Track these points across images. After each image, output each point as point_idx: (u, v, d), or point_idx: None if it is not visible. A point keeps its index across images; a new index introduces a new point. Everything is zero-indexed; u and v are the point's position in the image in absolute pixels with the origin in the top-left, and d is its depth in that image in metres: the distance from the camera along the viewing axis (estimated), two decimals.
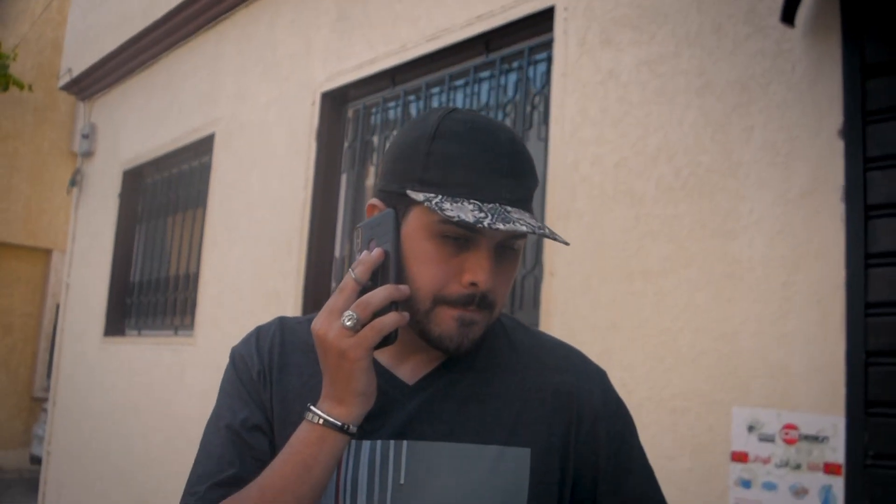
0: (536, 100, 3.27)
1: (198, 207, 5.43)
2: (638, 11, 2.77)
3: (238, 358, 1.13)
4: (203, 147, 5.36)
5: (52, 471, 6.72)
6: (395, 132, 3.94)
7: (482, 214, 0.94)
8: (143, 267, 6.15)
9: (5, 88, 9.63)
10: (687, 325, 2.49)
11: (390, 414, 1.05)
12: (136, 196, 6.30)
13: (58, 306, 9.62)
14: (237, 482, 1.02)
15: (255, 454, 1.05)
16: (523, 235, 1.00)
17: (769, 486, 2.25)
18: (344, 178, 4.25)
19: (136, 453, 5.42)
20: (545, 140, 3.13)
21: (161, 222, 6.01)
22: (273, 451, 1.05)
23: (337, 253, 4.20)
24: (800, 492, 2.19)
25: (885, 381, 2.07)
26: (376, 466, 1.03)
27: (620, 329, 2.66)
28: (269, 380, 1.09)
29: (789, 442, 2.23)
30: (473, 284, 0.99)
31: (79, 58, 6.89)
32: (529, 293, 3.15)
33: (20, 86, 9.58)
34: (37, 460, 8.44)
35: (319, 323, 0.98)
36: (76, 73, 6.85)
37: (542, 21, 3.15)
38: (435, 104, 3.76)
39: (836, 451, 2.14)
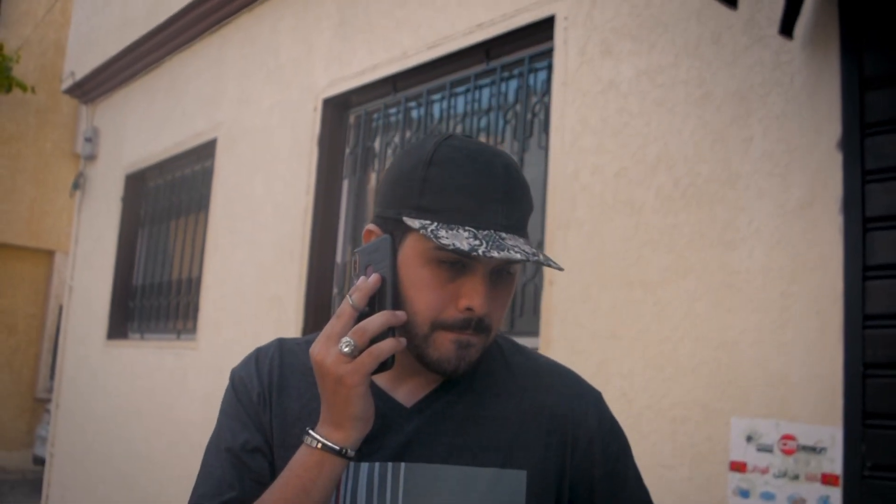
0: (537, 108, 3.28)
1: (200, 211, 5.44)
2: (637, 21, 2.78)
3: (238, 380, 1.14)
4: (205, 151, 5.37)
5: (55, 473, 6.74)
6: (395, 137, 3.96)
7: (477, 242, 0.96)
8: (146, 270, 6.17)
9: (8, 90, 9.67)
10: (686, 334, 2.50)
11: (388, 436, 1.07)
12: (139, 200, 6.33)
13: (61, 307, 9.65)
14: None
15: (255, 476, 1.06)
16: (524, 262, 1.01)
17: (767, 496, 2.27)
18: (346, 183, 4.27)
19: (139, 457, 5.45)
20: (545, 148, 3.14)
21: (163, 226, 6.03)
22: (273, 472, 1.06)
23: (339, 258, 4.21)
24: (798, 502, 2.20)
25: (882, 393, 2.08)
26: (374, 488, 1.04)
27: (620, 338, 2.67)
28: (269, 402, 1.10)
29: (787, 452, 2.24)
30: (469, 309, 1.01)
31: (82, 61, 6.91)
32: (530, 301, 3.16)
33: (23, 88, 9.62)
34: (40, 461, 8.47)
35: (317, 349, 0.99)
36: (79, 76, 6.87)
37: (542, 30, 3.17)
38: (436, 111, 3.78)
39: (834, 462, 2.15)
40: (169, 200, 5.94)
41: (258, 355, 1.16)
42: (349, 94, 4.16)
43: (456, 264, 1.01)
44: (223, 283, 4.87)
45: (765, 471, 2.28)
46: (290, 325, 4.18)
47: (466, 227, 0.98)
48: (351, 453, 0.99)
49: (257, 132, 4.78)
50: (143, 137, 6.11)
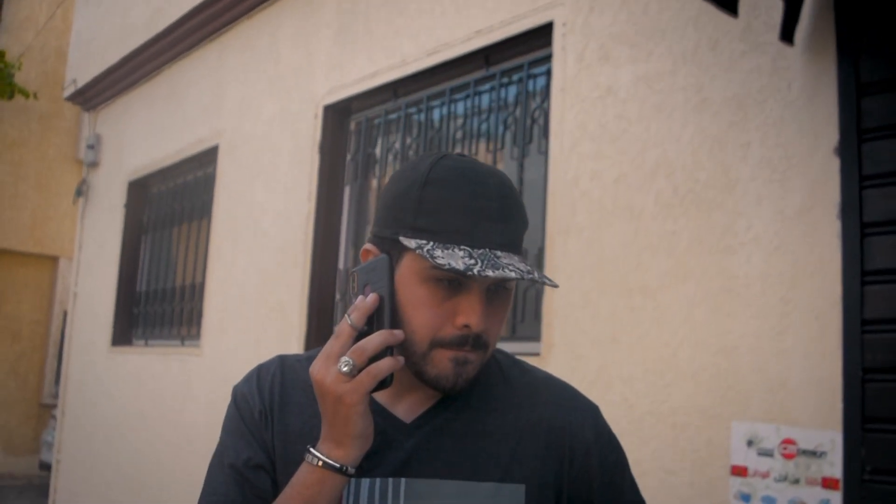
0: (536, 114, 3.30)
1: (203, 218, 5.47)
2: (635, 28, 2.79)
3: (240, 397, 1.15)
4: (207, 158, 5.40)
5: (61, 479, 6.77)
6: (396, 143, 3.98)
7: (472, 261, 0.97)
8: (150, 277, 6.20)
9: (11, 97, 9.70)
10: (686, 339, 2.51)
11: (388, 452, 1.09)
12: (142, 206, 6.35)
13: (65, 313, 9.68)
14: None
15: (258, 493, 1.08)
16: (520, 280, 1.03)
17: (768, 501, 2.28)
18: (347, 189, 4.29)
19: (145, 462, 5.47)
20: (545, 154, 3.16)
21: (166, 232, 6.06)
22: (275, 489, 1.08)
23: (341, 264, 4.23)
24: None
25: (881, 397, 2.10)
26: (375, 503, 1.06)
27: (620, 343, 2.69)
28: (271, 419, 1.12)
29: (788, 457, 2.25)
30: (466, 326, 1.02)
31: (83, 68, 6.94)
32: (531, 306, 3.18)
33: (25, 94, 9.65)
34: (46, 467, 8.50)
35: (317, 368, 1.01)
36: (81, 83, 6.90)
37: (541, 36, 3.18)
38: (436, 117, 3.80)
39: (834, 466, 2.16)
40: (171, 207, 5.96)
41: (259, 372, 1.18)
42: (349, 100, 4.18)
43: (452, 283, 1.02)
44: (226, 290, 4.89)
45: (765, 475, 2.29)
46: (293, 331, 4.20)
47: (462, 247, 1.00)
48: (351, 471, 1.01)
49: (258, 139, 4.80)
50: (146, 144, 6.13)
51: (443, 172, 1.05)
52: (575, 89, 2.96)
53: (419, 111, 3.88)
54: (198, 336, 5.19)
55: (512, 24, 3.26)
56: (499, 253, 1.01)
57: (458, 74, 3.64)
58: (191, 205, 5.70)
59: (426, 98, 3.81)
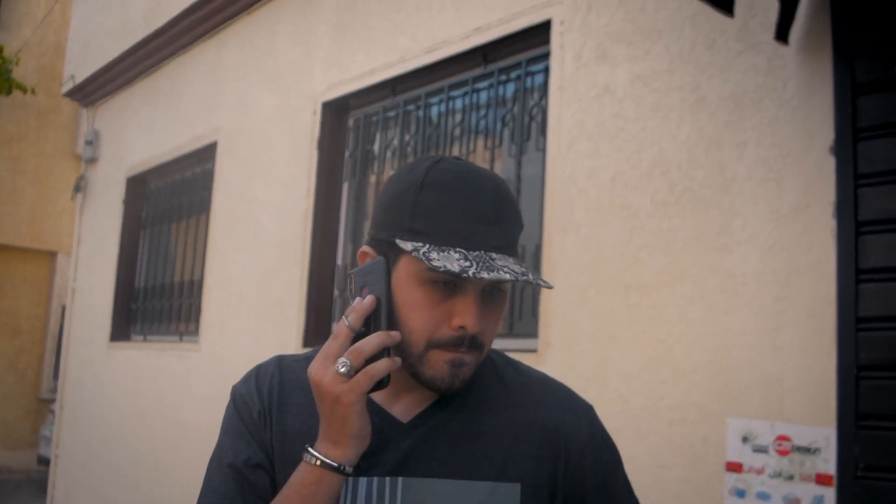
0: (534, 111, 3.31)
1: (201, 214, 5.48)
2: (633, 27, 2.80)
3: (238, 397, 1.17)
4: (205, 154, 5.40)
5: (60, 474, 6.79)
6: (394, 140, 3.99)
7: (467, 263, 0.99)
8: (148, 273, 6.21)
9: (8, 92, 9.70)
10: (682, 337, 2.53)
11: (386, 451, 1.10)
12: (140, 202, 6.36)
13: (63, 308, 9.69)
14: None
15: (257, 492, 1.10)
16: (514, 282, 1.04)
17: (763, 497, 2.30)
18: (345, 186, 4.30)
19: (143, 457, 5.49)
20: (543, 151, 3.17)
21: (165, 228, 6.07)
22: (274, 488, 1.10)
23: (339, 261, 4.25)
24: (792, 502, 2.24)
25: (875, 395, 2.11)
26: (373, 502, 1.08)
27: (617, 340, 2.70)
28: (270, 419, 1.13)
29: (782, 453, 2.27)
30: (462, 328, 1.04)
31: (82, 64, 6.94)
32: (528, 303, 3.19)
33: (23, 89, 9.65)
34: (44, 461, 8.52)
35: (315, 369, 1.02)
36: (79, 79, 6.90)
37: (539, 34, 3.19)
38: (434, 113, 3.81)
39: (828, 463, 2.18)
40: (170, 203, 5.97)
41: (258, 372, 1.19)
42: (348, 97, 4.18)
43: (448, 284, 1.04)
44: (225, 286, 4.91)
45: (760, 471, 2.31)
46: (292, 327, 4.21)
47: (457, 249, 1.01)
48: (349, 470, 1.02)
49: (257, 135, 4.81)
50: (144, 140, 6.14)
51: (439, 176, 1.06)
52: (572, 88, 2.98)
53: (417, 108, 3.89)
54: (196, 332, 5.21)
55: (510, 22, 3.27)
56: (494, 255, 1.02)
57: (456, 72, 3.65)
58: (189, 201, 5.71)
59: (424, 95, 3.82)
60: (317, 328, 4.15)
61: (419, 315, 1.05)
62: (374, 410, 1.11)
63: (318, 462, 1.02)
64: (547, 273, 2.95)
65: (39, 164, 11.09)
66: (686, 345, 2.51)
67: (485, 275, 0.98)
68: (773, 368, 2.30)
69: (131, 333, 6.24)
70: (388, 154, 4.05)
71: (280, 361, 1.19)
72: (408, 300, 1.05)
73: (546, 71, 3.22)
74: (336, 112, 4.31)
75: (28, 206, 11.02)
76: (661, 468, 2.51)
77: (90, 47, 6.88)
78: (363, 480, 1.09)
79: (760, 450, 2.31)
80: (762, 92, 2.43)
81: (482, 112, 3.55)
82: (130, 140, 6.37)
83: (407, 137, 3.93)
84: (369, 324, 1.05)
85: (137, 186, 6.34)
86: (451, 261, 0.99)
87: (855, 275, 2.17)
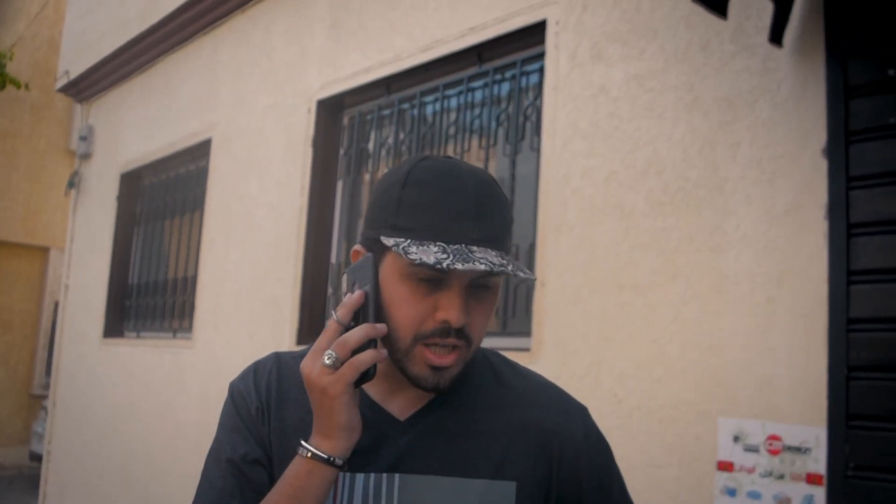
0: (529, 111, 3.32)
1: (195, 211, 5.47)
2: (628, 27, 2.82)
3: (237, 393, 1.18)
4: (200, 151, 5.40)
5: (52, 470, 6.78)
6: (389, 138, 4.00)
7: (444, 255, 1.00)
8: (142, 269, 6.20)
9: (2, 87, 9.66)
10: (675, 336, 2.54)
11: (383, 448, 1.12)
12: (134, 199, 6.35)
13: (56, 304, 9.66)
14: None
15: (255, 487, 1.11)
16: (491, 273, 1.04)
17: (754, 495, 2.32)
18: (340, 184, 4.30)
19: (136, 454, 5.49)
20: (537, 151, 3.18)
21: (159, 225, 6.06)
22: (272, 484, 1.11)
23: (333, 259, 4.25)
24: (783, 501, 2.25)
25: (865, 395, 2.13)
26: (370, 498, 1.09)
27: (611, 340, 2.72)
28: (268, 416, 1.15)
29: (773, 452, 2.29)
30: (446, 322, 1.05)
31: (76, 60, 6.93)
32: (522, 302, 3.21)
33: (17, 84, 9.61)
34: (36, 457, 8.51)
35: (305, 362, 1.05)
36: (74, 75, 6.88)
37: (534, 34, 3.20)
38: (429, 112, 3.82)
39: (819, 462, 2.20)
40: (164, 200, 5.97)
41: (256, 368, 1.20)
42: (342, 95, 4.19)
43: (433, 280, 1.05)
44: (219, 283, 4.91)
45: (751, 470, 2.33)
46: (286, 324, 4.22)
47: (438, 243, 1.02)
48: (339, 462, 1.04)
49: (251, 133, 4.81)
50: (138, 136, 6.13)
51: (422, 173, 1.08)
52: (567, 87, 2.99)
53: (412, 107, 3.89)
54: (190, 328, 5.21)
55: (505, 22, 3.28)
56: (474, 248, 1.03)
57: (451, 71, 3.66)
58: (183, 197, 5.70)
59: (419, 94, 3.82)
60: (311, 326, 4.16)
61: (404, 310, 1.06)
62: (372, 407, 1.13)
63: (309, 454, 1.03)
64: (541, 272, 2.96)
65: (33, 160, 11.06)
66: (679, 344, 2.53)
67: (458, 266, 0.98)
68: (764, 368, 2.32)
69: (125, 330, 6.24)
70: (383, 152, 4.06)
71: (278, 358, 1.20)
72: (394, 295, 1.07)
73: (541, 70, 3.23)
74: (331, 110, 4.31)
75: (21, 202, 10.99)
76: (654, 467, 2.53)
77: (85, 43, 6.86)
78: (360, 477, 1.10)
79: (751, 449, 2.33)
80: (756, 93, 2.44)
81: (477, 111, 3.56)
82: (125, 136, 6.36)
83: (401, 136, 3.94)
84: (358, 319, 1.07)
85: (132, 183, 6.33)
86: (428, 254, 1.00)
87: (846, 276, 2.19)
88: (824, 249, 2.23)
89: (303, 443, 1.05)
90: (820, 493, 2.18)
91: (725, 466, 2.38)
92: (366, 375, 1.04)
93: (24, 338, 11.26)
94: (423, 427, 1.13)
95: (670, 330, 2.56)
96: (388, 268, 1.07)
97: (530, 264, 3.14)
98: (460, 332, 1.06)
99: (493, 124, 3.48)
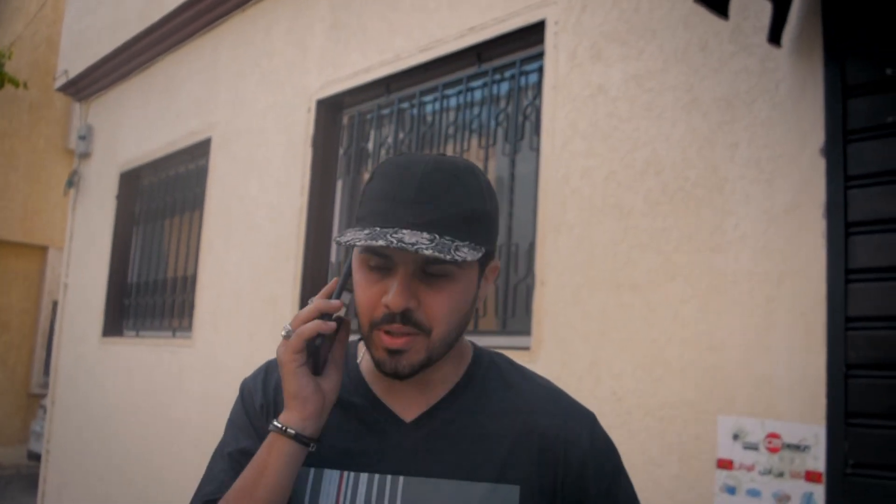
0: (528, 110, 3.33)
1: (195, 210, 5.48)
2: (626, 27, 2.83)
3: (246, 391, 1.23)
4: (199, 151, 5.40)
5: (51, 469, 6.78)
6: (389, 138, 4.00)
7: (361, 236, 1.03)
8: (141, 269, 6.21)
9: (1, 86, 9.65)
10: (674, 336, 2.55)
11: (388, 449, 1.13)
12: (134, 198, 6.35)
13: (54, 303, 9.66)
14: None
15: None
16: (443, 261, 1.04)
17: (753, 493, 2.33)
18: (340, 184, 4.31)
19: (135, 453, 5.49)
20: (537, 150, 3.19)
21: (158, 224, 6.06)
22: None
23: (333, 258, 4.26)
24: (782, 498, 2.27)
25: (864, 393, 2.14)
26: (372, 500, 1.10)
27: (610, 339, 2.73)
28: (273, 413, 1.17)
29: (772, 450, 2.30)
30: (386, 307, 1.07)
31: (75, 59, 6.93)
32: (521, 301, 3.22)
33: (15, 84, 9.59)
34: (35, 456, 8.51)
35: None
36: (72, 74, 6.88)
37: (533, 34, 3.21)
38: (428, 111, 3.82)
39: (818, 460, 2.21)
40: (163, 199, 5.97)
41: (267, 368, 1.24)
42: (342, 95, 4.19)
43: (382, 267, 1.08)
44: (218, 282, 4.91)
45: (751, 468, 2.34)
46: (286, 324, 4.21)
47: (374, 228, 1.04)
48: (291, 432, 1.07)
49: (251, 132, 4.81)
50: (138, 136, 6.13)
51: (383, 167, 1.12)
52: (566, 87, 3.00)
53: (412, 106, 3.90)
54: (189, 328, 5.21)
55: (504, 22, 3.29)
56: (405, 231, 1.03)
57: (450, 70, 3.67)
58: (183, 197, 5.70)
59: (419, 93, 3.83)
60: None
61: (360, 296, 1.10)
62: (376, 405, 1.16)
63: (271, 427, 1.08)
64: (540, 272, 2.98)
65: (31, 159, 11.06)
66: (678, 343, 2.54)
67: (360, 242, 1.01)
68: (763, 367, 2.33)
69: (124, 329, 6.24)
70: (383, 152, 4.06)
71: None
72: (356, 283, 1.11)
73: (540, 70, 3.24)
74: (330, 110, 4.32)
75: (20, 201, 10.99)
76: (653, 465, 2.54)
77: (84, 42, 6.86)
78: (364, 477, 1.11)
79: (751, 447, 2.34)
80: (754, 93, 2.45)
81: (476, 111, 3.57)
82: (124, 135, 6.37)
83: (401, 136, 3.94)
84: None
85: (131, 182, 6.33)
86: (355, 236, 1.03)
87: (844, 275, 2.20)
88: (823, 248, 2.25)
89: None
90: (819, 491, 2.20)
91: (725, 464, 2.39)
92: (317, 354, 1.08)
93: (22, 337, 11.26)
94: (429, 429, 1.14)
95: (669, 329, 2.57)
96: (354, 259, 1.12)
97: (530, 264, 3.15)
98: (406, 318, 1.06)
99: (493, 124, 3.49)
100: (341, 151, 4.33)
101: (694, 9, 2.58)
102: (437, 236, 1.03)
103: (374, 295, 1.08)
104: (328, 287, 1.14)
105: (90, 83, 6.79)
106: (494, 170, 3.48)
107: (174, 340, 5.43)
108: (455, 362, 1.19)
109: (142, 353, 5.71)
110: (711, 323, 2.46)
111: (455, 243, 1.04)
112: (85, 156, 6.87)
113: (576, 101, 2.95)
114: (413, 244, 1.00)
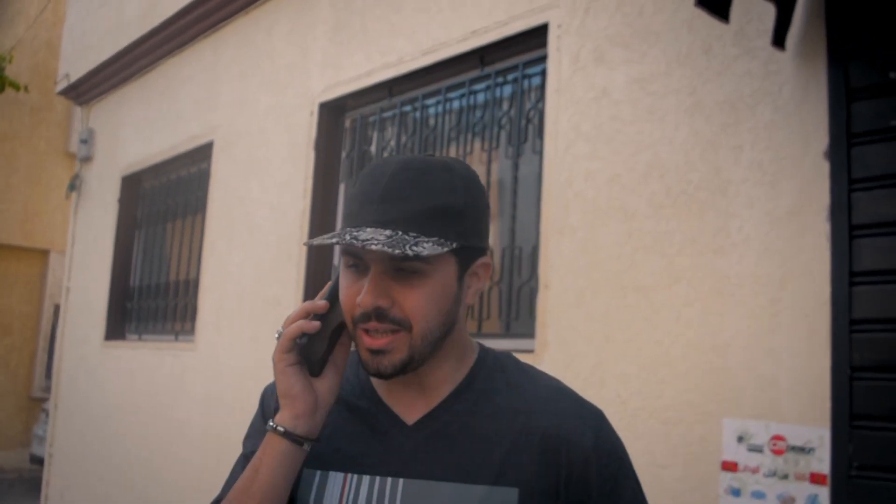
0: (531, 114, 3.33)
1: (197, 213, 5.48)
2: (630, 30, 2.83)
3: (266, 396, 1.27)
4: (201, 154, 5.41)
5: (54, 473, 6.78)
6: (391, 141, 4.01)
7: (327, 235, 1.06)
8: (143, 272, 6.21)
9: (1, 90, 9.65)
10: (679, 338, 2.56)
11: (390, 452, 1.14)
12: (135, 201, 6.36)
13: (56, 307, 9.67)
14: None
15: None
16: (408, 258, 1.04)
17: (758, 495, 2.33)
18: (342, 187, 4.32)
19: (138, 456, 5.49)
20: (540, 153, 3.20)
21: (160, 228, 6.07)
22: None
23: (335, 261, 4.26)
24: (787, 501, 2.27)
25: (868, 395, 2.15)
26: (374, 502, 1.11)
27: (614, 341, 2.73)
28: None
29: (777, 452, 2.31)
30: (359, 305, 1.09)
31: (76, 63, 6.93)
32: (525, 304, 3.22)
33: (16, 87, 9.60)
34: (37, 460, 8.50)
35: None
36: (74, 78, 6.89)
37: (536, 37, 3.22)
38: (431, 114, 3.83)
39: (822, 462, 2.22)
40: (165, 202, 5.97)
41: None
42: (345, 98, 4.20)
43: (358, 266, 1.10)
44: (221, 285, 4.92)
45: (755, 470, 2.35)
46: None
47: (346, 228, 1.08)
48: (281, 429, 1.10)
49: (253, 136, 4.82)
50: (139, 139, 6.14)
51: (365, 170, 1.14)
52: (570, 90, 3.00)
53: (414, 109, 3.91)
54: (192, 331, 5.21)
55: (507, 25, 3.30)
56: (368, 229, 1.05)
57: (453, 74, 3.67)
58: (185, 200, 5.71)
59: (421, 96, 3.84)
60: None
61: (342, 296, 1.12)
62: (379, 405, 1.17)
63: (266, 426, 1.12)
64: (544, 275, 2.98)
65: (32, 162, 11.06)
66: (682, 346, 2.54)
67: (315, 241, 1.04)
68: (768, 369, 2.34)
69: (126, 332, 6.24)
70: (385, 155, 4.07)
71: None
72: (339, 284, 1.13)
73: (543, 73, 3.25)
74: (333, 113, 4.32)
75: (21, 205, 10.99)
76: (658, 467, 2.54)
77: (85, 45, 6.87)
78: (366, 479, 1.13)
79: (756, 449, 2.35)
80: (758, 96, 2.46)
81: (479, 114, 3.58)
82: (125, 139, 6.37)
83: (404, 139, 3.95)
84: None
85: (132, 185, 6.34)
86: (321, 239, 1.05)
87: (848, 277, 2.21)
88: (826, 251, 2.25)
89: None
90: (824, 493, 2.20)
91: (730, 466, 2.40)
92: (310, 352, 1.11)
93: (23, 340, 11.26)
94: (430, 431, 1.15)
95: (673, 331, 2.57)
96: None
97: (533, 267, 3.16)
98: (382, 317, 1.08)
99: (496, 127, 3.49)
100: (344, 154, 4.33)
101: (697, 12, 2.58)
102: (401, 233, 1.04)
103: (352, 294, 1.10)
104: (323, 290, 1.16)
105: (91, 87, 6.79)
106: (497, 173, 3.49)
107: (176, 344, 5.44)
108: (457, 363, 1.19)
109: (144, 356, 5.72)
110: (715, 325, 2.47)
111: (418, 239, 1.04)
112: (86, 159, 6.88)
113: (579, 104, 2.96)
114: (366, 241, 1.01)
